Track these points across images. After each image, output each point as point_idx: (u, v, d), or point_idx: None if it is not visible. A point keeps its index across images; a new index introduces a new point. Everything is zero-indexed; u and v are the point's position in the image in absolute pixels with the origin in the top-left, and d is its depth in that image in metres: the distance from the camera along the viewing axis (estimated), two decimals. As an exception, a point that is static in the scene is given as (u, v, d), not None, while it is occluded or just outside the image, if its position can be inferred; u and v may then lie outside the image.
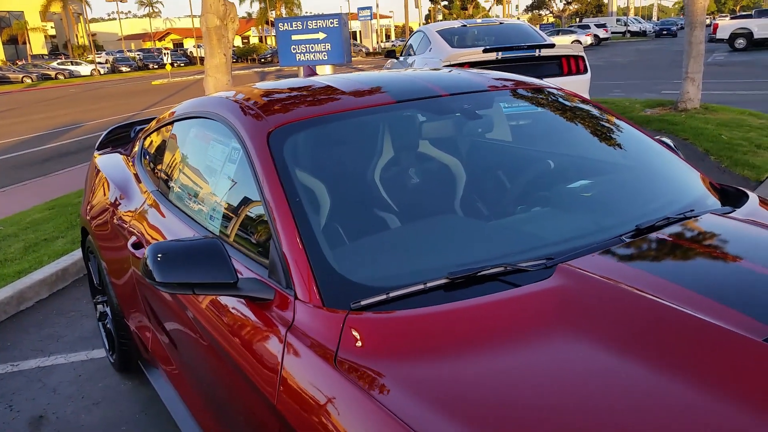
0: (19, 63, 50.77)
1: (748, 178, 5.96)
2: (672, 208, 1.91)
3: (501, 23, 9.01)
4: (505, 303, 1.41)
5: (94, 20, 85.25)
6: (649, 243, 1.64)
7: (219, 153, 2.14)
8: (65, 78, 43.71)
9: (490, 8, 51.29)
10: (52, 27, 61.87)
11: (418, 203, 1.97)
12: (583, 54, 7.24)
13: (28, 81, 40.76)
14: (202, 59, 52.84)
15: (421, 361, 1.27)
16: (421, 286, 1.46)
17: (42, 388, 3.19)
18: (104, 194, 3.05)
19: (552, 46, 7.10)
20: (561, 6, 65.75)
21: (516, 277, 1.50)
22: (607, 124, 2.51)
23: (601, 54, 32.45)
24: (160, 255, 1.52)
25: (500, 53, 6.85)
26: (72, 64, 47.29)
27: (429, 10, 48.77)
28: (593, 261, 1.53)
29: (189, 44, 62.20)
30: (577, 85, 7.20)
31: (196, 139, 2.39)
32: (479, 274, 1.50)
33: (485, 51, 6.83)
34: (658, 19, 60.50)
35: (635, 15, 74.85)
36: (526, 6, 68.31)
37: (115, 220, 2.78)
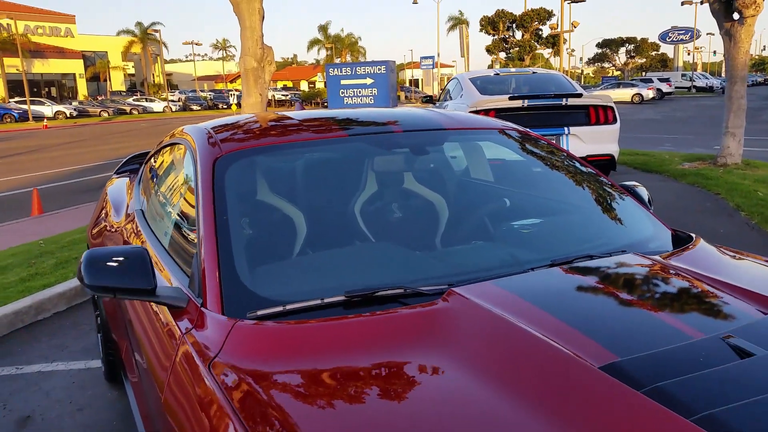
0: (99, 98, 54.11)
1: (777, 236, 5.77)
2: (603, 248, 1.96)
3: (534, 72, 9.12)
4: (384, 319, 1.50)
5: (172, 61, 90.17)
6: (546, 276, 1.70)
7: (182, 175, 2.33)
8: (139, 113, 46.24)
9: (547, 59, 51.49)
10: (132, 66, 65.87)
11: (339, 230, 2.08)
12: (612, 105, 7.24)
13: (105, 115, 43.29)
14: (269, 99, 54.92)
15: (289, 368, 1.36)
16: (318, 302, 1.57)
17: (37, 391, 3.40)
18: (103, 213, 3.30)
19: (579, 95, 7.15)
20: (624, 59, 65.24)
21: (412, 299, 1.59)
22: (569, 169, 2.57)
23: (661, 108, 31.90)
24: (90, 259, 1.68)
25: (526, 101, 6.94)
26: (146, 101, 50.01)
27: (491, 61, 49.50)
28: (485, 288, 1.59)
29: (257, 86, 65.17)
30: (605, 134, 7.20)
31: (172, 163, 2.60)
32: (376, 294, 1.59)
33: (511, 98, 6.94)
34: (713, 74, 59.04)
35: (702, 71, 73.44)
36: (589, 59, 68.20)
37: (104, 236, 3.01)
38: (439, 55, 34.35)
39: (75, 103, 46.09)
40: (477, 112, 7.06)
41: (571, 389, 1.17)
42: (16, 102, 42.04)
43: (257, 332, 1.48)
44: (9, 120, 36.56)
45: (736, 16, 8.54)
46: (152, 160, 3.12)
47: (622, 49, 64.71)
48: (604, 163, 7.36)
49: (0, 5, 51.13)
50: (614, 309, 1.51)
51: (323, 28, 67.55)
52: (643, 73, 60.67)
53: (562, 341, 1.29)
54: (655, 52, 65.46)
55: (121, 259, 1.68)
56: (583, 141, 7.12)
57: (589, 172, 2.50)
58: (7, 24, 45.52)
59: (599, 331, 1.36)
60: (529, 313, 1.44)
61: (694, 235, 2.17)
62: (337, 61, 64.90)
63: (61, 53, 54.58)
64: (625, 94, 39.73)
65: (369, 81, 13.41)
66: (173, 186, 2.43)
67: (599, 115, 7.17)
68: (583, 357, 1.23)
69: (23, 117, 37.13)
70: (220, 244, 1.73)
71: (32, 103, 39.02)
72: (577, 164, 2.55)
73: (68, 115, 40.79)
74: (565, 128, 7.06)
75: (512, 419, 1.12)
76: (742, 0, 8.13)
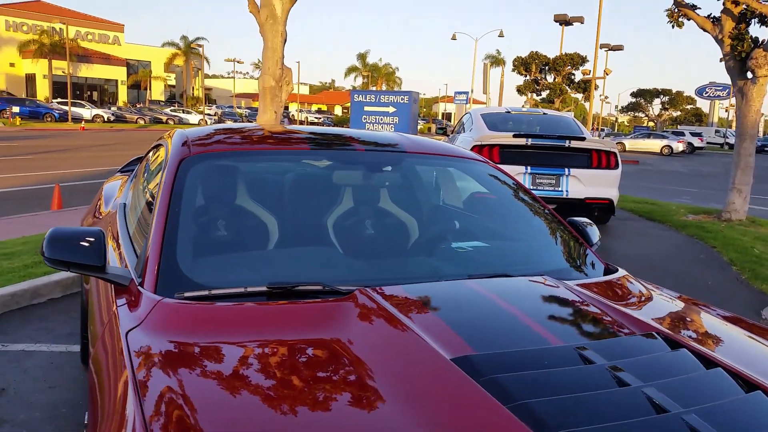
0: (138, 106, 55.65)
1: (765, 292, 5.79)
2: (524, 270, 2.11)
3: (545, 113, 9.31)
4: (293, 308, 1.68)
5: (214, 76, 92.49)
6: (451, 285, 1.86)
7: (156, 173, 2.55)
8: (174, 123, 47.40)
9: (578, 103, 51.55)
10: (173, 78, 67.71)
11: (281, 232, 2.27)
12: (615, 150, 7.38)
13: (141, 122, 44.50)
14: (301, 120, 56.13)
15: (196, 341, 1.53)
16: (242, 290, 1.75)
17: (16, 368, 3.61)
18: (96, 206, 3.54)
19: (583, 138, 7.30)
20: (658, 110, 65.04)
21: (330, 296, 1.76)
22: (523, 202, 2.72)
23: (689, 162, 31.71)
24: (53, 235, 1.89)
25: (530, 140, 7.11)
26: (183, 112, 51.29)
27: (524, 101, 49.90)
28: (391, 290, 1.75)
29: (293, 108, 66.35)
30: (606, 179, 7.33)
31: (154, 161, 2.83)
32: (296, 288, 1.77)
33: (515, 136, 7.12)
34: (763, 135, 58.34)
35: (738, 128, 72.51)
36: (622, 107, 68.17)
37: (92, 225, 3.24)
38: (473, 91, 34.78)
39: (114, 108, 47.50)
40: (482, 146, 7.26)
41: (422, 374, 1.32)
42: (58, 102, 43.47)
43: (176, 309, 1.66)
44: (49, 119, 37.82)
45: (749, 75, 8.64)
46: (144, 159, 3.37)
47: (657, 101, 64.59)
48: (602, 207, 7.48)
49: (54, 10, 53.31)
50: (496, 315, 1.66)
51: (362, 56, 68.80)
52: (677, 126, 60.38)
53: (432, 335, 1.45)
54: (691, 106, 65.15)
55: (79, 237, 1.89)
56: (583, 183, 7.25)
57: (540, 207, 2.66)
58: (60, 28, 47.34)
59: (470, 330, 1.52)
60: (417, 311, 1.61)
61: (620, 270, 2.31)
62: (373, 89, 65.81)
63: (107, 59, 56.42)
64: (654, 144, 39.58)
65: (391, 110, 13.72)
66: (148, 182, 2.66)
67: (602, 159, 7.30)
68: (443, 349, 1.39)
69: (63, 117, 38.37)
70: (166, 233, 1.93)
71: (73, 105, 40.35)
72: (531, 199, 2.71)
73: (105, 119, 42.02)
74: (566, 169, 7.21)
75: (371, 396, 1.27)
76: (755, 60, 8.24)
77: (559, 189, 7.23)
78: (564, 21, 45.32)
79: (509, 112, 9.13)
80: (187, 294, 1.73)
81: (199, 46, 60.36)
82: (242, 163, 2.41)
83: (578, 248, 2.47)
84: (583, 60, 45.85)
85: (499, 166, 2.88)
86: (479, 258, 2.34)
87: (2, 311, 4.49)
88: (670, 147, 39.15)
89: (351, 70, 69.17)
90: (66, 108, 39.13)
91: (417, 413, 1.19)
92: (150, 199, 2.36)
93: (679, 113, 64.82)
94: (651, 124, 66.78)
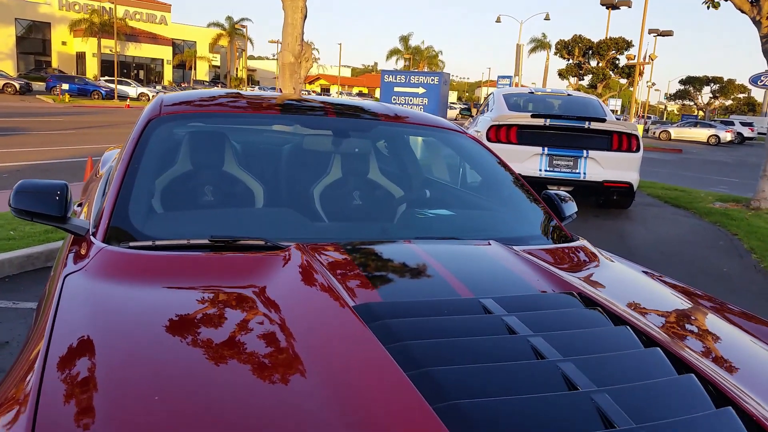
0: (183, 85, 56.67)
1: (782, 282, 5.63)
2: (474, 236, 2.14)
3: (569, 95, 9.13)
4: (226, 258, 1.74)
5: (259, 58, 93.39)
6: (387, 246, 1.89)
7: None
8: (216, 104, 48.09)
9: (621, 89, 50.17)
10: (218, 58, 68.64)
11: (238, 191, 2.33)
12: (636, 133, 7.22)
13: (185, 102, 45.31)
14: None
15: (131, 285, 1.61)
16: (185, 242, 1.82)
17: (23, 324, 3.80)
18: (95, 171, 3.68)
19: (603, 120, 7.16)
20: (707, 99, 62.86)
21: (270, 251, 1.81)
22: (496, 174, 2.73)
23: (735, 152, 30.64)
24: (20, 187, 2.00)
25: (548, 120, 7.01)
26: (225, 93, 51.98)
27: (568, 85, 48.85)
28: (324, 247, 1.80)
29: (334, 90, 66.49)
30: (626, 162, 7.18)
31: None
32: (237, 242, 1.83)
33: (533, 116, 7.03)
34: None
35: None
36: (670, 95, 66.00)
37: (88, 188, 3.38)
38: (516, 75, 34.14)
39: (159, 87, 48.49)
40: (499, 126, 7.19)
41: (320, 318, 1.38)
42: (105, 81, 44.64)
43: (116, 256, 1.74)
44: (96, 96, 38.88)
45: (786, 58, 8.30)
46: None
47: (707, 89, 62.41)
48: (621, 191, 7.34)
49: (104, -11, 54.61)
50: (418, 270, 1.70)
51: (404, 39, 68.33)
52: (728, 116, 58.28)
53: (346, 287, 1.49)
54: (743, 95, 62.76)
55: (43, 190, 1.99)
56: (602, 166, 7.12)
57: (514, 179, 2.66)
58: (109, 8, 48.46)
59: (386, 282, 1.56)
60: (342, 264, 1.66)
61: (581, 240, 2.32)
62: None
63: (154, 39, 57.56)
64: (700, 134, 38.36)
65: (421, 90, 13.67)
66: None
67: (622, 141, 7.15)
68: (351, 297, 1.43)
69: (110, 95, 39.42)
70: (123, 187, 2.01)
71: (120, 83, 41.37)
72: (505, 171, 2.71)
73: (150, 98, 42.96)
74: (585, 151, 7.09)
75: (270, 334, 1.32)
76: (793, 42, 7.90)
77: (577, 171, 7.12)
78: (610, 4, 44.05)
79: (533, 92, 9.00)
80: (132, 244, 1.80)
81: (243, 27, 60.96)
82: (209, 125, 2.48)
83: (543, 219, 2.47)
84: (628, 45, 44.50)
85: (476, 137, 2.88)
86: (436, 225, 2.37)
87: (18, 272, 4.72)
88: (717, 137, 37.87)
89: (393, 52, 68.82)
90: (113, 86, 40.18)
91: (306, 350, 1.25)
92: (119, 156, 2.46)
93: (730, 102, 62.57)
94: (701, 113, 64.67)
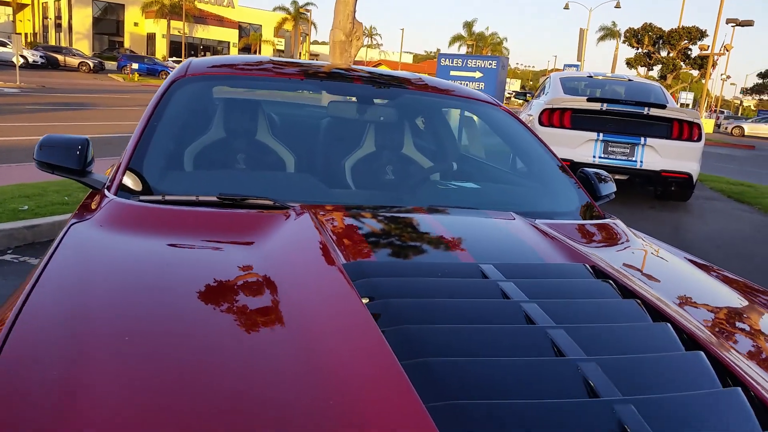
0: (247, 68, 57.84)
1: None
2: (493, 208, 2.05)
3: (630, 80, 8.75)
4: (229, 214, 1.72)
5: (323, 43, 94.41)
6: (396, 212, 1.83)
7: None
8: (278, 86, 48.93)
9: (692, 80, 47.96)
10: (282, 43, 69.61)
11: (254, 151, 2.31)
12: (698, 121, 6.86)
13: (248, 84, 46.29)
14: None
15: (135, 236, 1.61)
16: (193, 198, 1.82)
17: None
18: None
19: (663, 106, 6.82)
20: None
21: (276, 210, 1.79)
22: (531, 149, 2.62)
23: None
24: (44, 141, 2.04)
25: (605, 105, 6.74)
26: (287, 76, 52.77)
27: (637, 75, 47.15)
28: (329, 210, 1.75)
29: (394, 75, 66.68)
30: (686, 151, 6.84)
31: None
32: (244, 200, 1.81)
33: (589, 100, 6.78)
34: None
35: None
36: (747, 89, 62.67)
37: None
38: (579, 60, 33.15)
39: (224, 69, 49.61)
40: (552, 110, 6.97)
41: (306, 273, 1.33)
42: (173, 61, 45.98)
43: (123, 208, 1.75)
44: (164, 76, 40.09)
45: None
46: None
47: (788, 83, 58.98)
48: (680, 182, 7.00)
49: (175, -28, 56.10)
50: (422, 235, 1.63)
51: (468, 25, 67.45)
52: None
53: (342, 246, 1.45)
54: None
55: (65, 144, 2.02)
56: (660, 154, 6.80)
57: (549, 155, 2.55)
58: (179, -10, 49.82)
59: (384, 244, 1.51)
60: (343, 226, 1.62)
61: (612, 218, 2.20)
62: (476, 59, 64.52)
63: (221, 21, 58.85)
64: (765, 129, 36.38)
65: (478, 75, 13.43)
66: None
67: (683, 130, 6.81)
68: (345, 256, 1.38)
69: (176, 76, 40.66)
70: (140, 143, 2.02)
71: (186, 64, 42.56)
72: (539, 146, 2.60)
73: (215, 79, 44.04)
74: (642, 138, 6.78)
75: (261, 288, 1.29)
76: None
77: (633, 159, 6.82)
78: (686, -8, 42.06)
79: (591, 76, 8.68)
80: (142, 198, 1.81)
81: (308, 11, 61.49)
82: (232, 87, 2.47)
83: (575, 196, 2.35)
84: (702, 34, 42.40)
85: (512, 112, 2.77)
86: (458, 196, 2.28)
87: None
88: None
89: (456, 39, 68.03)
90: (179, 67, 41.39)
91: (286, 301, 1.21)
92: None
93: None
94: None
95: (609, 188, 2.57)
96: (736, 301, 1.62)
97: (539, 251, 1.58)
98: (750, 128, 37.50)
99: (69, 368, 0.97)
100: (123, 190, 1.85)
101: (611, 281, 1.41)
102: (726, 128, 38.42)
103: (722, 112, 57.32)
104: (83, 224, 1.66)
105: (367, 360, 1.01)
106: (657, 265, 1.82)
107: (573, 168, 2.91)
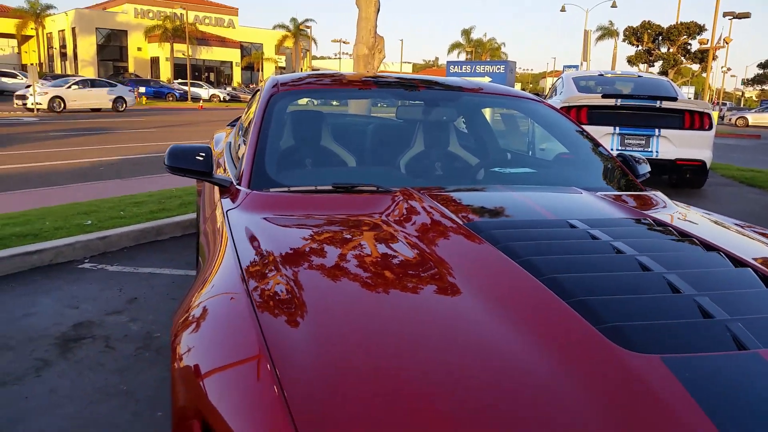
0: (251, 86, 58.52)
1: None
2: (559, 185, 2.43)
3: (639, 76, 9.13)
4: (346, 197, 2.11)
5: (322, 58, 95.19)
6: (484, 188, 2.22)
7: (252, 110, 3.07)
8: (283, 103, 49.46)
9: (693, 75, 48.26)
10: (283, 60, 70.41)
11: (352, 150, 2.70)
12: (709, 111, 7.22)
13: (253, 101, 46.84)
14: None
15: (277, 215, 2.00)
16: (313, 188, 2.21)
17: (145, 284, 4.33)
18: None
19: (675, 99, 7.20)
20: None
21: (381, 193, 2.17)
22: (577, 139, 3.01)
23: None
24: (172, 150, 2.44)
25: (619, 100, 7.12)
26: (291, 92, 53.33)
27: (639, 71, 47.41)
28: (433, 190, 2.14)
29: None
30: (698, 140, 7.20)
31: (251, 105, 3.36)
32: (355, 187, 2.20)
33: (604, 96, 7.15)
34: None
35: None
36: (747, 80, 63.00)
37: None
38: (582, 64, 33.61)
39: (229, 89, 50.27)
40: (569, 107, 7.35)
41: (436, 234, 1.71)
42: (179, 83, 46.65)
43: (263, 197, 2.14)
44: (171, 98, 40.76)
45: None
46: (246, 109, 3.93)
47: (789, 72, 59.22)
48: (694, 168, 7.35)
49: (176, -4, 56.99)
50: (510, 203, 2.02)
51: (466, 32, 68.05)
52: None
53: (453, 209, 1.83)
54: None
55: (192, 151, 2.42)
56: (674, 144, 7.17)
57: (592, 143, 2.93)
58: (180, 14, 50.56)
59: (484, 210, 1.89)
60: (444, 199, 2.00)
61: (656, 192, 2.57)
62: (476, 65, 64.94)
63: (222, 42, 59.65)
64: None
65: (487, 80, 13.82)
66: (246, 118, 3.19)
67: (694, 120, 7.18)
68: (458, 218, 1.76)
69: (183, 97, 41.24)
70: (258, 147, 2.42)
71: (192, 85, 43.19)
72: (582, 134, 2.99)
73: (221, 99, 44.65)
74: (657, 130, 7.15)
75: (394, 251, 1.66)
76: None
77: (649, 150, 7.19)
78: (682, -12, 42.53)
79: (602, 74, 9.07)
80: (271, 189, 2.20)
81: (308, 27, 62.23)
82: (319, 99, 2.88)
83: (619, 174, 2.73)
84: (700, 29, 42.85)
85: (553, 105, 3.15)
86: (521, 178, 2.67)
87: (134, 244, 5.29)
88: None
89: (454, 46, 68.64)
90: (186, 88, 41.99)
91: (429, 262, 1.56)
92: (246, 129, 2.89)
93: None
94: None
95: (644, 168, 2.95)
96: None
97: (611, 210, 1.96)
98: (754, 118, 37.76)
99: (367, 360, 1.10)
100: (254, 184, 2.24)
101: (687, 237, 1.70)
102: (730, 119, 38.67)
103: (724, 104, 57.57)
104: (237, 211, 2.05)
105: (534, 301, 1.28)
106: (719, 227, 2.13)
107: None
